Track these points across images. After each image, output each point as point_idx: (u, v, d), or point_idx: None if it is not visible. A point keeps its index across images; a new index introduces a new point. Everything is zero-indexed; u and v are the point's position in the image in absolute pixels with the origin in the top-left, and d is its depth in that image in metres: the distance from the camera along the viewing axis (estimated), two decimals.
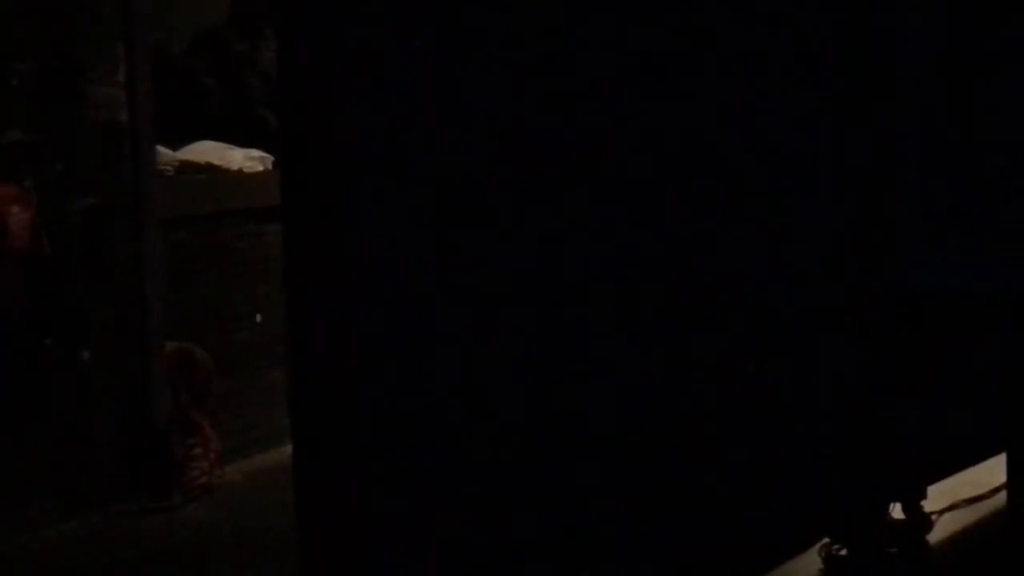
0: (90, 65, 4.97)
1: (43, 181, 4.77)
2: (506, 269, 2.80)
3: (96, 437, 4.98)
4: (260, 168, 5.87)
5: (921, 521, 4.19)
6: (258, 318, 5.73)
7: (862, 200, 3.81)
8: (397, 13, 2.59)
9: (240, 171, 5.81)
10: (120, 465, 5.04)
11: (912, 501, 4.17)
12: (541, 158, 2.87)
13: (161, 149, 5.39)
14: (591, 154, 2.99)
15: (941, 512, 4.31)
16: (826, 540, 4.03)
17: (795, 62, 3.58)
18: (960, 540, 4.36)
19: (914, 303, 3.91)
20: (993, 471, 4.42)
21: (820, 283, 3.70)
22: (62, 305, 4.88)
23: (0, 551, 4.58)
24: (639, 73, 3.08)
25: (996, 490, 4.48)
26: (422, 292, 2.63)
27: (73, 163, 4.91)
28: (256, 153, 5.89)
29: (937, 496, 4.27)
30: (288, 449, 2.64)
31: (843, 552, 4.05)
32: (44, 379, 4.83)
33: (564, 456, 2.94)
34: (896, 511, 4.15)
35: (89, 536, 4.78)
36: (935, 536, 4.24)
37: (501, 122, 2.78)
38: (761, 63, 3.46)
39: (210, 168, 5.75)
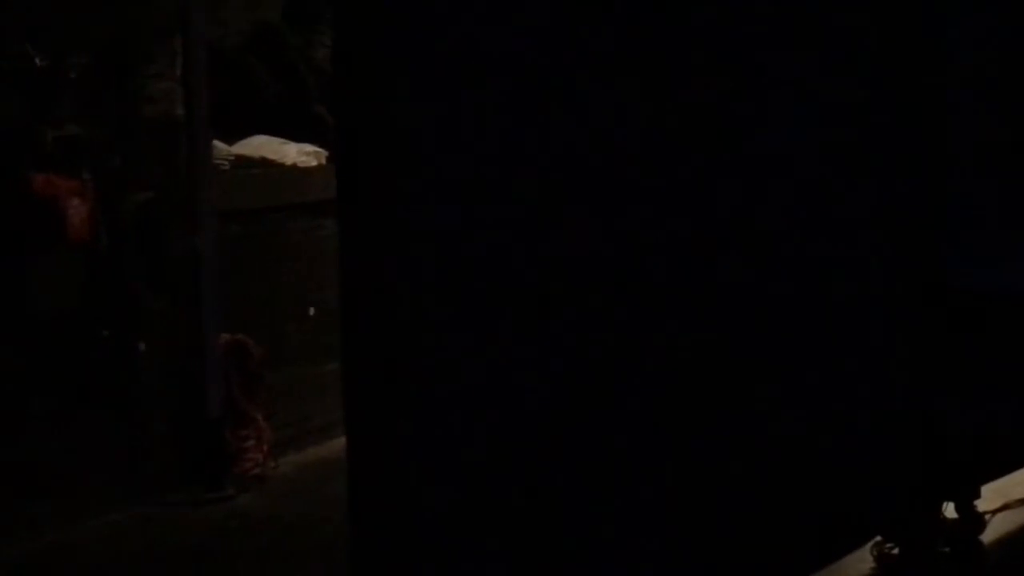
0: (147, 59, 5.02)
1: (100, 174, 4.82)
2: (562, 262, 2.80)
3: (151, 428, 5.03)
4: (314, 163, 5.90)
5: (974, 520, 4.16)
6: (311, 311, 5.76)
7: (917, 198, 3.79)
8: (448, 8, 2.60)
9: (294, 165, 5.85)
10: (174, 455, 5.09)
11: (965, 500, 4.14)
12: (588, 151, 2.88)
13: (217, 143, 5.44)
14: (635, 147, 2.99)
15: (994, 512, 4.27)
16: (878, 538, 4.01)
17: (845, 56, 3.56)
18: (1013, 540, 4.33)
19: (970, 302, 3.88)
20: None
21: (876, 281, 3.68)
22: (119, 297, 4.93)
23: (55, 540, 4.63)
24: (676, 63, 3.08)
25: None
26: (477, 285, 2.64)
27: (130, 157, 4.95)
28: (310, 148, 5.92)
29: (990, 495, 4.24)
30: (340, 441, 2.66)
31: (895, 551, 4.03)
32: (100, 370, 4.89)
33: (615, 451, 2.94)
34: (949, 510, 4.12)
35: (143, 526, 4.82)
36: (988, 536, 4.21)
37: (554, 117, 2.79)
38: (809, 54, 3.44)
39: (265, 162, 5.79)
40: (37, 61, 4.68)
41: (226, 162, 5.59)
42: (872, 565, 4.03)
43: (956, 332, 3.88)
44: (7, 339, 4.63)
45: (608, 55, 2.90)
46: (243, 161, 5.73)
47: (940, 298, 3.83)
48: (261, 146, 5.84)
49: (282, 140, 5.90)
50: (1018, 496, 4.46)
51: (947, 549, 4.09)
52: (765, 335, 3.32)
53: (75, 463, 4.75)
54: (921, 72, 3.77)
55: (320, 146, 5.93)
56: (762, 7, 3.28)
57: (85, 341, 4.84)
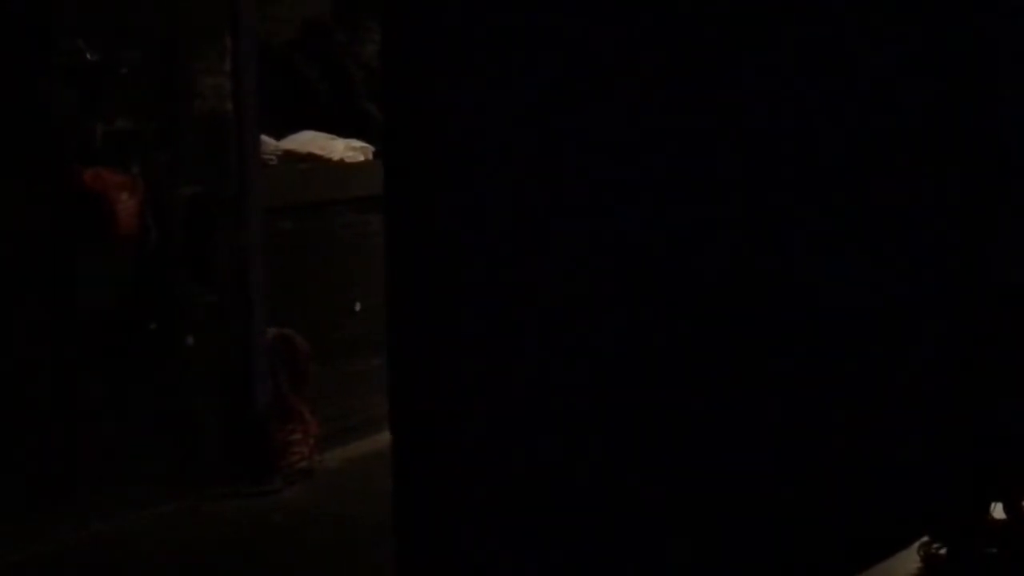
0: (197, 55, 5.05)
1: (150, 169, 4.85)
2: (613, 260, 2.80)
3: (198, 421, 5.07)
4: (361, 158, 5.93)
5: (1022, 521, 4.13)
6: (357, 306, 5.79)
7: (968, 198, 3.76)
8: (497, 8, 2.60)
9: (341, 161, 5.87)
10: (221, 449, 5.12)
11: (1014, 501, 4.11)
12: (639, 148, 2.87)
13: (265, 138, 5.47)
14: (691, 145, 2.98)
15: None
16: (926, 539, 3.99)
17: (899, 55, 3.53)
18: None
19: (1019, 302, 3.85)
20: None
21: (925, 281, 3.65)
22: (167, 291, 4.96)
23: (103, 531, 4.68)
24: (735, 63, 3.07)
25: None
26: (523, 281, 2.64)
27: (179, 151, 4.99)
28: (357, 143, 5.95)
29: None
30: (387, 436, 2.67)
31: (942, 551, 4.01)
32: (148, 363, 4.92)
33: (664, 448, 2.94)
34: (997, 511, 4.09)
35: (189, 518, 4.86)
36: None
37: (602, 109, 2.79)
38: (865, 54, 3.42)
39: (312, 158, 5.83)
40: (88, 56, 4.71)
41: (274, 157, 5.63)
42: (919, 565, 4.01)
43: (1006, 331, 3.84)
44: (56, 332, 4.67)
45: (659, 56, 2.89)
46: (291, 156, 5.76)
47: (990, 297, 3.80)
48: (309, 142, 5.87)
49: (330, 136, 5.93)
50: None
51: (995, 550, 4.06)
52: (816, 334, 3.30)
53: (123, 455, 4.79)
54: (976, 68, 3.73)
55: (367, 142, 5.95)
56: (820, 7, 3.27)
57: (133, 334, 4.88)
